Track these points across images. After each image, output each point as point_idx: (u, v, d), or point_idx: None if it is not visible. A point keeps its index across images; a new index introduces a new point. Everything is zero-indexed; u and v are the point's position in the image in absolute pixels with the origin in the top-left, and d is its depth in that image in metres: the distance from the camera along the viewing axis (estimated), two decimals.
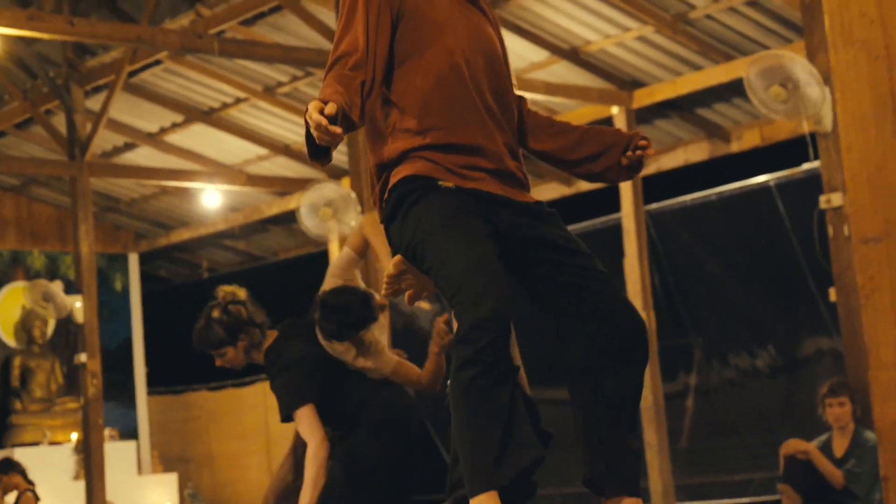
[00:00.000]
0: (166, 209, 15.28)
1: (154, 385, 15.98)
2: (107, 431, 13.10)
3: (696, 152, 11.74)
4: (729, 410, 11.70)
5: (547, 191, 12.44)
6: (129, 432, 15.19)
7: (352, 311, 5.30)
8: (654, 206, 11.70)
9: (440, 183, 3.23)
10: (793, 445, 7.76)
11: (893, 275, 2.56)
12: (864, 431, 7.54)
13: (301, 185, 11.93)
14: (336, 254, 12.70)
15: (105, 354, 12.33)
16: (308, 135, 3.03)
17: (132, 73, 11.81)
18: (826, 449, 7.66)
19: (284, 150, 13.25)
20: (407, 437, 5.47)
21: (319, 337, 5.40)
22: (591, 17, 10.23)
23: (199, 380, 15.87)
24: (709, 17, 10.03)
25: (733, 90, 10.49)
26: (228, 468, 15.74)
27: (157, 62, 11.75)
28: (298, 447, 5.68)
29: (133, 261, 15.88)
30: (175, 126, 13.10)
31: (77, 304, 11.58)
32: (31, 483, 10.04)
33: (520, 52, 10.64)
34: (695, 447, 11.87)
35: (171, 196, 14.76)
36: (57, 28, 9.04)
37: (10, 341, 14.67)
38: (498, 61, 3.42)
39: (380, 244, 5.00)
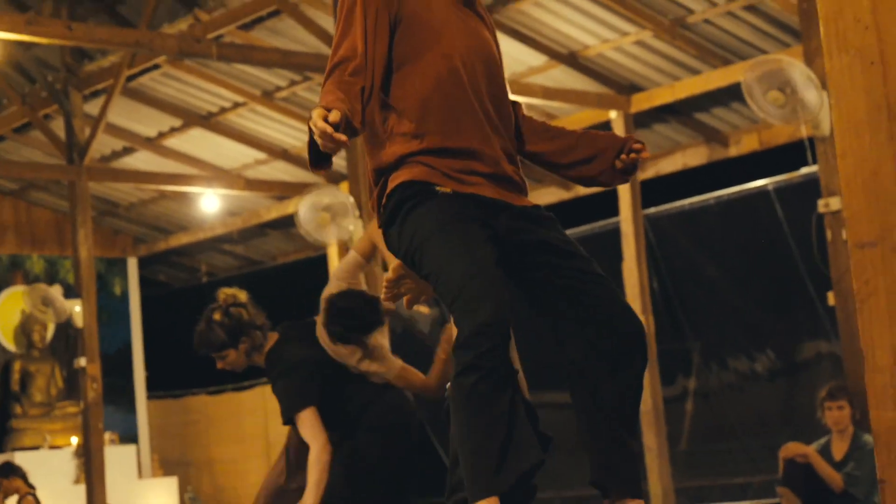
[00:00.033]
0: (165, 213, 15.27)
1: (154, 389, 15.97)
2: (107, 435, 13.10)
3: (695, 157, 11.75)
4: (728, 414, 11.71)
5: (546, 195, 12.44)
6: (129, 436, 15.19)
7: (359, 314, 5.32)
8: (652, 210, 11.70)
9: (437, 188, 3.23)
10: (792, 449, 7.77)
11: (888, 279, 2.57)
12: (863, 435, 7.55)
13: (300, 189, 11.93)
14: (335, 258, 12.71)
15: (104, 358, 12.34)
16: (310, 142, 3.04)
17: (131, 78, 11.81)
18: (825, 452, 7.67)
19: (283, 154, 13.24)
20: (407, 440, 5.48)
21: (322, 339, 5.40)
22: (590, 22, 10.24)
23: (199, 384, 15.87)
24: (707, 21, 10.05)
25: (731, 94, 10.50)
26: (228, 472, 15.75)
27: (156, 66, 11.75)
28: (290, 449, 5.69)
29: (132, 265, 15.87)
30: (174, 130, 13.10)
31: (76, 308, 11.59)
32: (31, 487, 10.03)
33: (518, 56, 10.65)
34: (694, 451, 11.87)
35: (169, 200, 14.76)
36: (55, 32, 9.06)
37: (10, 346, 14.66)
38: (495, 66, 3.42)
39: (388, 249, 5.01)
